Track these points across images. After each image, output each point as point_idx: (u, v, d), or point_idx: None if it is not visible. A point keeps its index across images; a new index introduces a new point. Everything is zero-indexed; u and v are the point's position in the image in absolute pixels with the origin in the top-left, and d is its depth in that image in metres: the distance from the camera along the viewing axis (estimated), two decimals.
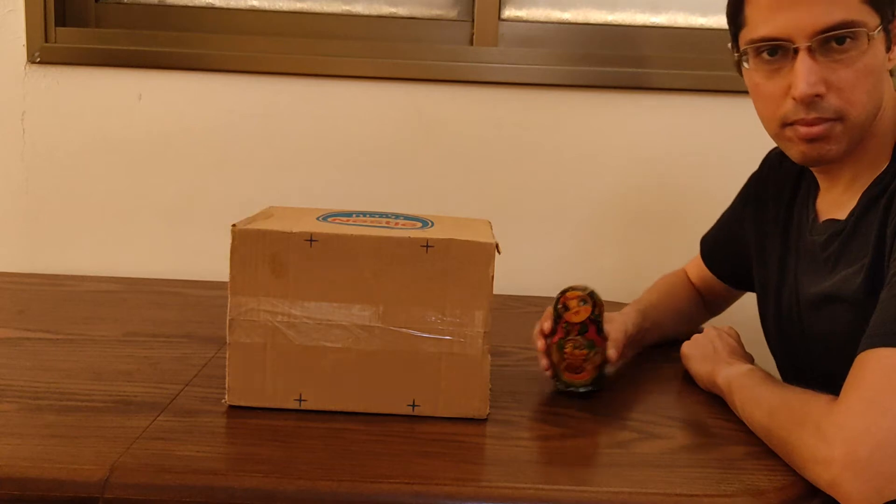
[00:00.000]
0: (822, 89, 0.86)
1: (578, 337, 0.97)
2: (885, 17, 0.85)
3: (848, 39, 0.84)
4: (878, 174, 0.90)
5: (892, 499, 0.72)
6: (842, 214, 0.93)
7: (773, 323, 1.05)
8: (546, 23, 1.62)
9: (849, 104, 0.86)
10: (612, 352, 0.98)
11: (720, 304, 1.26)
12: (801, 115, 0.87)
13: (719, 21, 1.62)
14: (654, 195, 1.58)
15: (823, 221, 0.96)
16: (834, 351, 0.86)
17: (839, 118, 0.87)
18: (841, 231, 0.92)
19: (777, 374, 1.00)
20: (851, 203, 0.91)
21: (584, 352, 0.97)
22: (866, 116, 0.87)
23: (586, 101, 1.56)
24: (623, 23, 1.62)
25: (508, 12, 1.61)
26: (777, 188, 1.06)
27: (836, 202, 0.95)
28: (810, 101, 0.86)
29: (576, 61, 1.57)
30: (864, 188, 0.90)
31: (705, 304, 1.26)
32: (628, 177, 1.58)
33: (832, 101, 0.86)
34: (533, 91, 1.56)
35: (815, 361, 0.96)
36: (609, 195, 1.58)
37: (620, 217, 1.59)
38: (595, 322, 0.98)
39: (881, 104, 0.89)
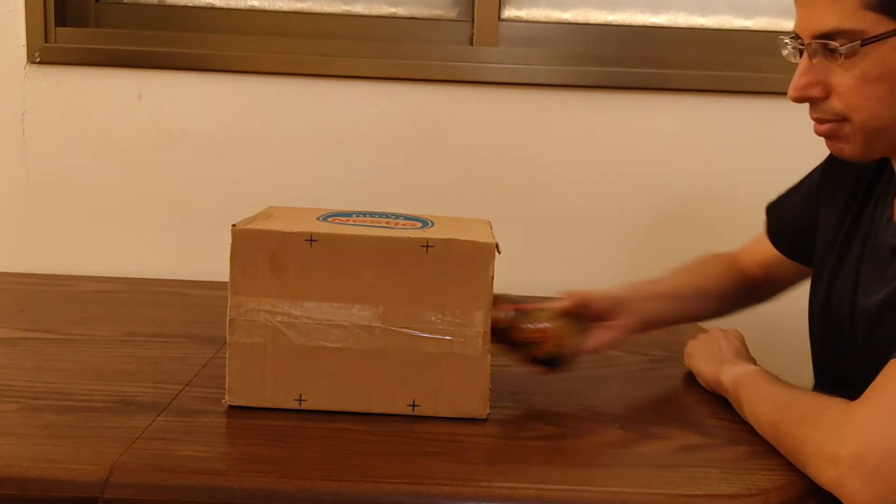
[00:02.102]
0: (814, 92, 0.86)
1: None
2: None
3: (842, 46, 0.83)
4: None
5: None
6: None
7: (819, 315, 1.01)
8: (546, 23, 1.62)
9: (850, 108, 0.85)
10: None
11: (781, 284, 1.19)
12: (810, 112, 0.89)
13: (719, 21, 1.62)
14: (654, 195, 1.58)
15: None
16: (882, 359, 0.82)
17: (844, 119, 0.86)
18: None
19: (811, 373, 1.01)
20: None
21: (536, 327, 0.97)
22: (883, 121, 0.85)
23: (586, 101, 1.56)
24: (623, 23, 1.62)
25: (508, 12, 1.61)
26: (856, 176, 1.01)
27: None
28: (805, 101, 0.87)
29: (576, 61, 1.57)
30: None
31: (756, 287, 1.19)
32: (628, 177, 1.58)
33: (833, 105, 0.86)
34: (533, 91, 1.56)
35: (858, 363, 0.91)
36: (609, 195, 1.58)
37: (620, 217, 1.59)
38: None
39: None
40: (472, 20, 1.59)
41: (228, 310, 0.88)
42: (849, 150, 0.89)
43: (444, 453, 0.82)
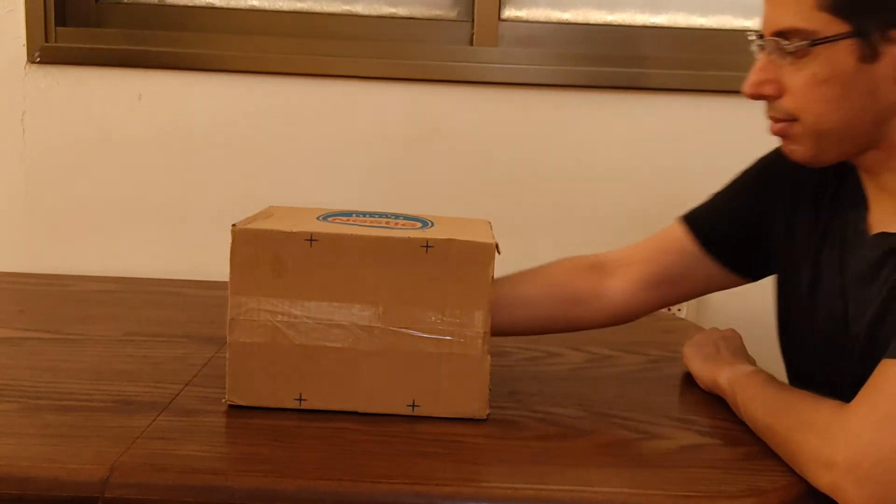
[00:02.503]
0: (767, 90, 0.86)
1: None
2: (860, 27, 0.81)
3: (795, 45, 0.83)
4: None
5: None
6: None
7: (804, 327, 0.98)
8: (546, 23, 1.62)
9: (800, 109, 0.85)
10: None
11: (676, 300, 1.09)
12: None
13: (719, 21, 1.62)
14: (654, 195, 1.58)
15: (875, 235, 0.89)
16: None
17: (795, 119, 0.86)
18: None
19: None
20: None
21: None
22: (831, 124, 0.85)
23: (586, 101, 1.56)
24: (623, 23, 1.62)
25: (508, 12, 1.61)
26: (817, 180, 0.98)
27: (887, 215, 0.89)
28: (759, 98, 0.88)
29: (576, 61, 1.57)
30: None
31: (611, 302, 1.05)
32: (628, 177, 1.58)
33: (785, 104, 0.86)
34: (533, 91, 1.56)
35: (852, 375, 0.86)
36: (609, 195, 1.58)
37: (621, 217, 1.59)
38: None
39: (865, 113, 0.84)
40: (472, 20, 1.59)
41: (228, 309, 0.88)
42: (800, 151, 0.89)
43: (444, 453, 0.82)
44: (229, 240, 0.87)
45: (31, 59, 1.54)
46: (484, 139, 1.57)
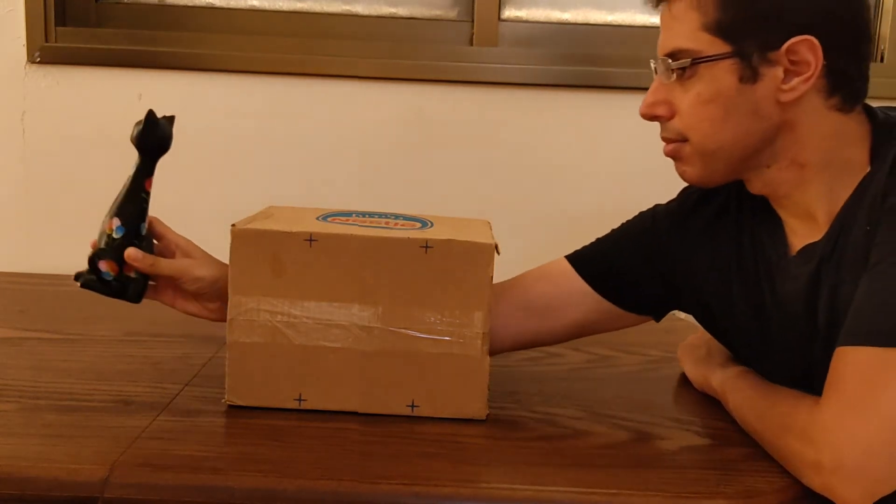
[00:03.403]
0: (659, 111, 0.89)
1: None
2: (741, 48, 0.82)
3: (683, 66, 0.85)
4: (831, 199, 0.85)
5: (885, 495, 0.72)
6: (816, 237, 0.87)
7: (759, 348, 0.95)
8: (546, 23, 1.62)
9: (688, 129, 0.87)
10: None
11: (571, 325, 1.02)
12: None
13: None
14: (655, 195, 1.58)
15: (800, 250, 0.89)
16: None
17: (685, 140, 0.88)
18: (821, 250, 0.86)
19: None
20: (823, 228, 0.86)
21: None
22: (717, 143, 0.86)
23: (586, 101, 1.56)
24: (623, 23, 1.62)
25: (508, 12, 1.61)
26: (726, 205, 0.98)
27: (803, 231, 0.89)
28: (653, 119, 0.90)
29: (576, 61, 1.57)
30: (832, 212, 0.85)
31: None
32: (629, 177, 1.58)
33: (675, 124, 0.88)
34: (533, 91, 1.56)
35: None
36: (609, 195, 1.58)
37: (621, 217, 1.58)
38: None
39: (750, 134, 0.85)
40: (472, 20, 1.59)
41: (228, 309, 0.88)
42: (690, 171, 0.90)
43: (443, 454, 0.82)
44: (229, 240, 0.87)
45: (31, 59, 1.54)
46: (484, 139, 1.57)
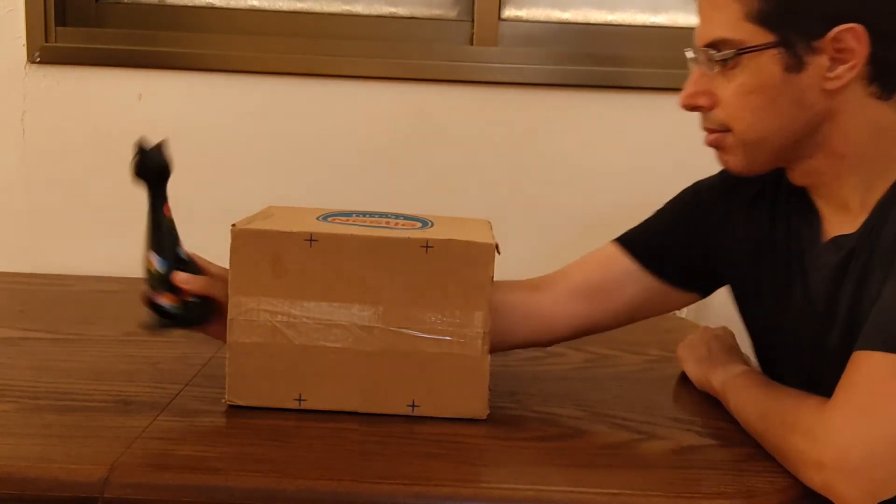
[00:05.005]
0: (700, 101, 0.88)
1: None
2: (785, 37, 0.82)
3: (727, 57, 0.84)
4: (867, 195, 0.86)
5: (885, 499, 0.72)
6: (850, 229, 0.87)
7: (782, 340, 0.96)
8: (546, 23, 1.62)
9: (731, 119, 0.87)
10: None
11: (622, 308, 1.04)
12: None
13: None
14: (655, 196, 1.58)
15: (831, 239, 0.89)
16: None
17: (728, 130, 0.87)
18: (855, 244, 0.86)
19: None
20: (858, 220, 0.86)
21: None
22: (760, 133, 0.86)
23: (587, 100, 1.56)
24: (623, 23, 1.62)
25: (508, 12, 1.61)
26: (766, 192, 0.98)
27: (838, 221, 0.89)
28: (693, 110, 0.89)
29: (576, 61, 1.57)
30: (869, 206, 0.86)
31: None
32: (628, 177, 1.58)
33: (717, 114, 0.88)
34: (533, 91, 1.56)
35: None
36: (609, 195, 1.58)
37: (621, 217, 1.58)
38: None
39: (794, 122, 0.85)
40: (472, 20, 1.59)
41: (228, 309, 0.88)
42: (733, 161, 0.90)
43: (444, 454, 0.82)
44: (229, 240, 0.87)
45: (31, 59, 1.54)
46: (484, 139, 1.57)
